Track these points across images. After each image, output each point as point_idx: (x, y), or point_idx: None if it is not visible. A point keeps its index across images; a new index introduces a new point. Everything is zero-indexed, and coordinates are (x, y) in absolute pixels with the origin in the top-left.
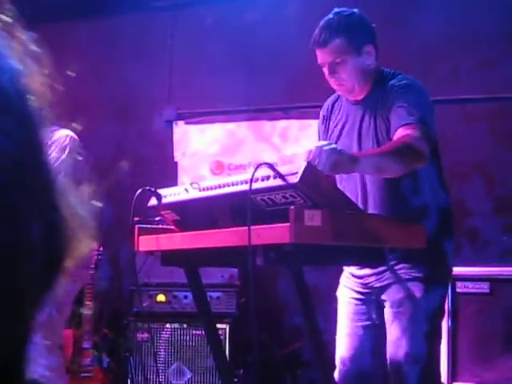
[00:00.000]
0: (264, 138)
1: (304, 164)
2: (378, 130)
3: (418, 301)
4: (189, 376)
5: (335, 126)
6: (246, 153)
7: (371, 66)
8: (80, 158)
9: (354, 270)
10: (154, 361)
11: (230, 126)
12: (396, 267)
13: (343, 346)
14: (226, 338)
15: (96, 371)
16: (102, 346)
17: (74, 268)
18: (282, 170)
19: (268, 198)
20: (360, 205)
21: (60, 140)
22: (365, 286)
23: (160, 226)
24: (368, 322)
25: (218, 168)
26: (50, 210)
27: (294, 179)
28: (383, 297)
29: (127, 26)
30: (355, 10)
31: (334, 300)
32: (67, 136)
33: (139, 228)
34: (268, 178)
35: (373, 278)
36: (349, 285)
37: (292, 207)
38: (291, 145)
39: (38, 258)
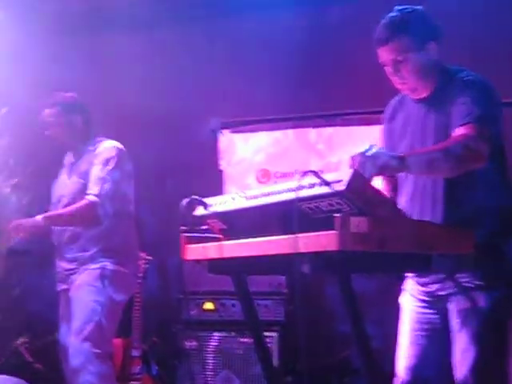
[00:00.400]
0: (309, 146)
1: (350, 171)
2: (441, 128)
3: (483, 311)
4: None
5: (399, 126)
6: (292, 161)
7: (434, 63)
8: (126, 169)
9: (417, 277)
10: (202, 369)
11: (276, 134)
12: (458, 275)
13: (404, 355)
14: (274, 345)
15: (145, 379)
16: (150, 355)
17: (123, 277)
18: (328, 177)
19: (314, 206)
20: (416, 204)
21: (107, 151)
22: (428, 294)
23: (207, 235)
24: (431, 332)
25: (264, 176)
26: None
27: (341, 187)
28: (448, 306)
29: (171, 37)
30: (418, 6)
31: (382, 306)
32: (114, 147)
33: (186, 237)
34: (314, 185)
35: (436, 286)
36: (412, 292)
37: (338, 215)
38: (336, 152)
39: None
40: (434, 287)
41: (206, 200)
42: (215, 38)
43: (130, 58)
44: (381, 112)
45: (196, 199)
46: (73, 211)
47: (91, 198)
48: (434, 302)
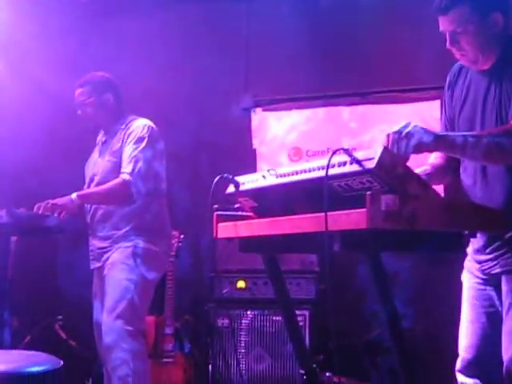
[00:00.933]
0: (342, 124)
1: (380, 149)
2: (502, 104)
3: None
4: (269, 362)
5: (460, 94)
6: (324, 139)
7: (497, 35)
8: (158, 147)
9: (474, 254)
10: (234, 347)
11: (308, 112)
12: (509, 254)
13: (465, 333)
14: (305, 324)
15: (178, 357)
16: (183, 332)
17: (155, 255)
18: (359, 155)
19: (345, 184)
20: (478, 181)
21: (138, 129)
22: (484, 271)
23: (239, 213)
24: (492, 309)
25: (296, 155)
26: None
27: (371, 164)
28: (502, 284)
29: (203, 16)
30: None
31: (414, 286)
32: (145, 125)
33: (218, 215)
34: (345, 163)
35: (490, 264)
36: (471, 269)
37: (368, 193)
38: (369, 130)
39: None
40: (488, 265)
41: (237, 178)
42: (248, 17)
43: (162, 38)
44: (413, 90)
45: (227, 177)
46: (106, 189)
47: (125, 176)
48: (491, 280)
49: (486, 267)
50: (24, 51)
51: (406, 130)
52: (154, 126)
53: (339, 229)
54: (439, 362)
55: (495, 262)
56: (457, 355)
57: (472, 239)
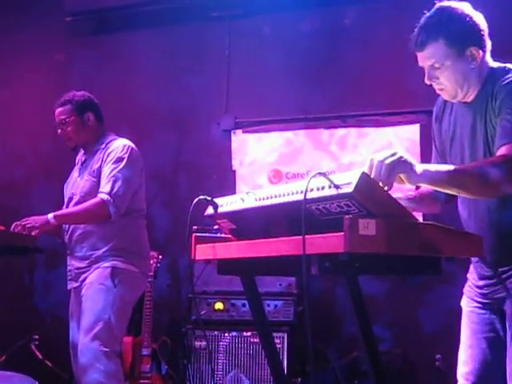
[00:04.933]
0: (322, 147)
1: (359, 173)
2: (488, 136)
3: None
4: None
5: (448, 128)
6: (304, 161)
7: (476, 69)
8: (138, 167)
9: (474, 279)
10: (211, 368)
11: (288, 134)
12: (510, 279)
13: (465, 359)
14: (283, 346)
15: (154, 378)
16: (160, 353)
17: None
18: (338, 178)
19: (323, 208)
20: (472, 213)
21: (118, 149)
22: (485, 296)
23: (217, 235)
24: (492, 334)
25: (276, 176)
26: None
27: (349, 188)
28: (505, 308)
29: (185, 37)
30: (460, 5)
31: (393, 309)
32: (125, 145)
33: (196, 237)
34: (323, 187)
35: (493, 288)
36: (470, 294)
37: (346, 216)
38: (349, 153)
39: None
40: (489, 289)
41: (216, 200)
42: (230, 39)
43: (145, 57)
44: (393, 114)
45: (206, 199)
46: (83, 209)
47: (103, 196)
48: (493, 304)
49: (487, 291)
50: (7, 67)
51: (392, 159)
52: (133, 146)
53: (317, 252)
54: None
55: (499, 287)
56: (433, 379)
57: (473, 264)
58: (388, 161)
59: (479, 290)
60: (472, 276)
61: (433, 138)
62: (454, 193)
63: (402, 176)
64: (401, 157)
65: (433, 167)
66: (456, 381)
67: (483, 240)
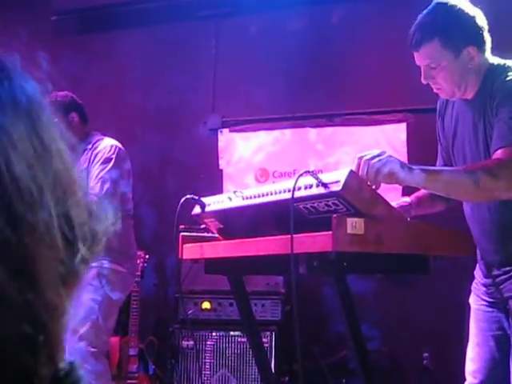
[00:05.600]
0: (309, 146)
1: (347, 172)
2: (487, 135)
3: None
4: (234, 383)
5: (450, 124)
6: (291, 160)
7: (473, 69)
8: (125, 168)
9: (479, 277)
10: (198, 368)
11: (275, 133)
12: None
13: (472, 357)
14: (271, 345)
15: (142, 378)
16: (147, 353)
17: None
18: (325, 177)
19: (311, 206)
20: (475, 213)
21: (106, 150)
22: (491, 295)
23: (205, 234)
24: (499, 332)
25: (263, 176)
26: (64, 202)
27: (337, 187)
28: (510, 306)
29: (172, 36)
30: (457, 3)
31: (380, 308)
32: (112, 145)
33: (183, 236)
34: (311, 186)
35: (496, 288)
36: (477, 292)
37: (334, 215)
38: (336, 152)
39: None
40: (494, 289)
41: (204, 199)
42: (217, 38)
43: (132, 56)
44: (380, 113)
45: (193, 198)
46: None
47: (92, 197)
48: (500, 303)
49: (492, 290)
50: None
51: (380, 158)
52: (120, 146)
53: (305, 251)
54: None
55: (502, 286)
56: (420, 377)
57: (478, 262)
58: (376, 160)
59: (484, 289)
60: (478, 274)
61: (437, 133)
62: (444, 195)
63: (390, 175)
64: (389, 156)
65: (424, 168)
66: (443, 378)
67: (471, 238)
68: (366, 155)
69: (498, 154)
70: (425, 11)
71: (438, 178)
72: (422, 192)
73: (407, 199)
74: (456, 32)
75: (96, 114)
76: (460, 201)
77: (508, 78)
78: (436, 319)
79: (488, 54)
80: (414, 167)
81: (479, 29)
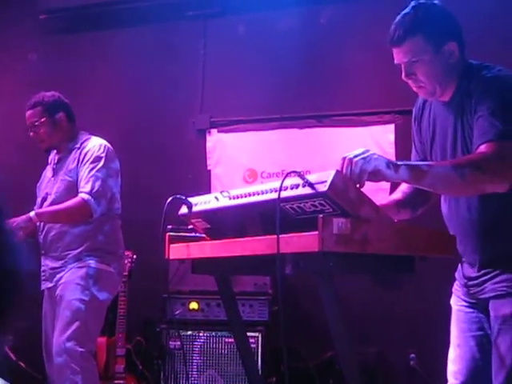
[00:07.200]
0: (297, 146)
1: (333, 172)
2: (466, 136)
3: None
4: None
5: (427, 128)
6: (279, 161)
7: (454, 65)
8: (114, 167)
9: (460, 278)
10: (186, 368)
11: (263, 134)
12: (496, 279)
13: (454, 358)
14: (258, 346)
15: (129, 378)
16: (135, 354)
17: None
18: (311, 178)
19: (297, 207)
20: (453, 211)
21: (95, 149)
22: (471, 295)
23: (192, 234)
24: (480, 332)
25: (251, 176)
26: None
27: (323, 187)
28: (490, 309)
29: (160, 36)
30: (435, 1)
31: (367, 308)
32: (101, 145)
33: (170, 236)
34: (297, 186)
35: (477, 288)
36: (458, 293)
37: (321, 215)
38: (324, 153)
39: None
40: (474, 289)
41: (190, 199)
42: (205, 38)
43: (120, 56)
44: (368, 114)
45: (180, 198)
46: (65, 208)
47: (84, 195)
48: (480, 304)
49: (473, 291)
50: None
51: (363, 156)
52: (109, 145)
53: (291, 251)
54: None
55: (482, 287)
56: (407, 378)
57: (460, 264)
58: (359, 158)
59: (465, 289)
60: (459, 275)
61: (412, 138)
62: (431, 190)
63: (375, 173)
64: (373, 154)
65: (410, 164)
66: (430, 378)
67: (456, 239)
68: (350, 154)
69: (482, 148)
70: (404, 11)
71: (423, 174)
72: (388, 199)
73: (398, 194)
74: (438, 27)
75: (84, 114)
76: (436, 202)
77: (486, 76)
78: (423, 320)
79: (465, 55)
80: (399, 163)
81: (459, 26)
